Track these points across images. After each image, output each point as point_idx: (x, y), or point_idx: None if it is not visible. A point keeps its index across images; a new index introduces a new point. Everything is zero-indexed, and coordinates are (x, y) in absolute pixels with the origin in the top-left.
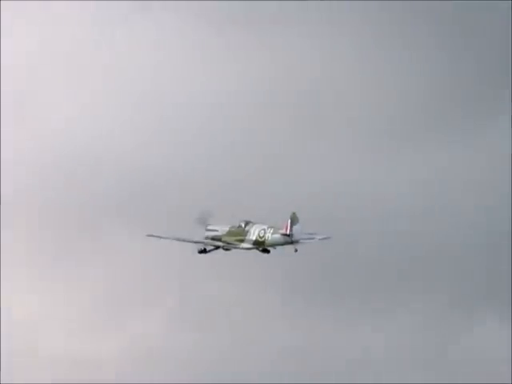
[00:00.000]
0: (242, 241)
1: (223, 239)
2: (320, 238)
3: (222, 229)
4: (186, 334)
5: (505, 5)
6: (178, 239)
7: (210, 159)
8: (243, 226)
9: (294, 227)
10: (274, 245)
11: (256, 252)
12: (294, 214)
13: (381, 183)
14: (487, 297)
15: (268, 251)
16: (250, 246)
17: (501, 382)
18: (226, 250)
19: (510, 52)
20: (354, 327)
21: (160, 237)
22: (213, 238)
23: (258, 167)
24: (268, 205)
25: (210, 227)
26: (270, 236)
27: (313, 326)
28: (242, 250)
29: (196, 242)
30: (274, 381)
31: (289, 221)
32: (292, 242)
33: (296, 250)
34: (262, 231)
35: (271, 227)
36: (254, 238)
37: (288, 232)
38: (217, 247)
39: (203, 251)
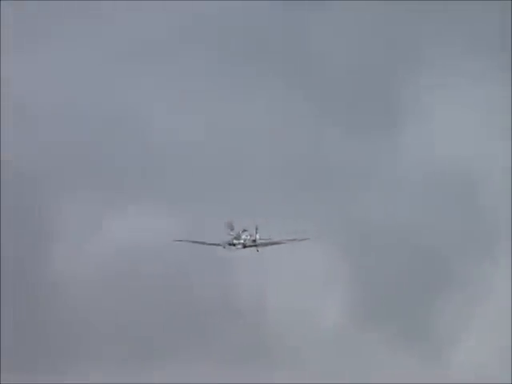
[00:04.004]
0: (238, 243)
1: (233, 241)
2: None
3: (234, 234)
4: None
5: None
6: (202, 242)
7: None
8: (240, 232)
9: (256, 235)
10: (250, 246)
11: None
12: (256, 225)
13: None
14: None
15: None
16: (240, 246)
17: (499, 382)
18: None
19: None
20: None
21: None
22: (229, 241)
23: None
24: None
25: (230, 232)
26: (247, 240)
27: None
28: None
29: (214, 244)
30: None
31: (254, 230)
32: (256, 245)
33: (257, 251)
34: (245, 236)
35: (250, 234)
36: (242, 241)
37: (253, 238)
38: (231, 244)
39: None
